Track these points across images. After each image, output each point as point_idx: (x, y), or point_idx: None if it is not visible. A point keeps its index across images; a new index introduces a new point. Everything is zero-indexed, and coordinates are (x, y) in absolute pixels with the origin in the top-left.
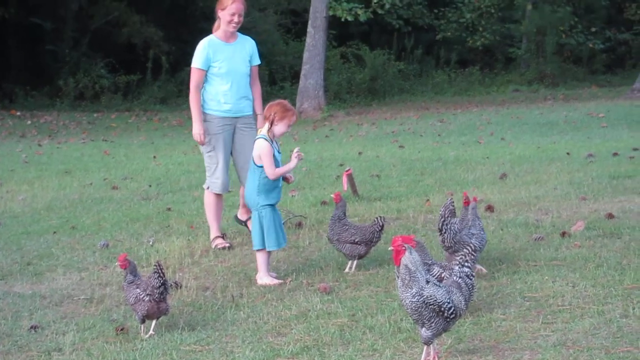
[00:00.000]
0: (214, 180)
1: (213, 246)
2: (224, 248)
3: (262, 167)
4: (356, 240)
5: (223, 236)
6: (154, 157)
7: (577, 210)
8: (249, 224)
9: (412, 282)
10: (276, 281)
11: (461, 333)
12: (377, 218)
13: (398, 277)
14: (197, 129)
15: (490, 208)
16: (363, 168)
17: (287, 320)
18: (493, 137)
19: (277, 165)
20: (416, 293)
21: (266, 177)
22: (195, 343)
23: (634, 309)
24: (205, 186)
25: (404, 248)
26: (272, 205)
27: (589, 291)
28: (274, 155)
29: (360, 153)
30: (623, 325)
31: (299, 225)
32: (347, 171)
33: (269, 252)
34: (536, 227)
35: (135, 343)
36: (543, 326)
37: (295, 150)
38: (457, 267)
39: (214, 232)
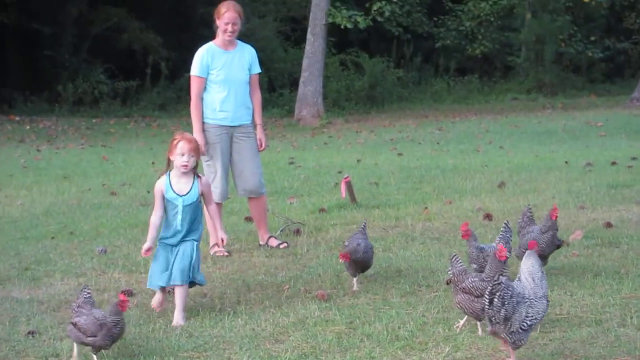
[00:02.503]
0: (213, 189)
1: (211, 253)
2: (222, 255)
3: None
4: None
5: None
6: (153, 163)
7: (575, 219)
8: (271, 242)
9: None
10: (156, 303)
11: (459, 341)
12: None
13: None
14: (197, 139)
15: (488, 216)
16: (361, 175)
17: (284, 328)
18: (491, 145)
19: (171, 204)
20: None
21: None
22: (193, 349)
23: (631, 318)
24: None
25: None
26: (163, 243)
27: (586, 300)
28: (167, 198)
29: (358, 160)
30: (621, 335)
31: (297, 232)
32: (345, 178)
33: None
34: None
35: (133, 349)
36: (541, 335)
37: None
38: None
39: (213, 239)
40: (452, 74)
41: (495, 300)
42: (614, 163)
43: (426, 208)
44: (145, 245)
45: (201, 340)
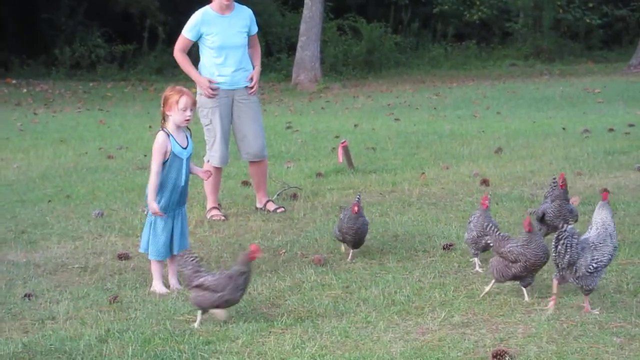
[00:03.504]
0: (213, 153)
1: (208, 217)
2: (219, 219)
3: None
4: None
5: (219, 208)
6: (150, 127)
7: (572, 185)
8: (268, 206)
9: None
10: (165, 291)
11: (455, 306)
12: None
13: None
14: (200, 81)
15: (485, 182)
16: (359, 140)
17: (281, 292)
18: (489, 111)
19: (177, 160)
20: None
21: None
22: (189, 313)
23: (627, 284)
24: (205, 159)
25: None
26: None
27: None
28: (173, 152)
29: (355, 125)
30: (617, 301)
31: (294, 196)
32: (342, 143)
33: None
34: (531, 202)
35: (129, 312)
36: (537, 300)
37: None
38: None
39: (210, 203)
40: (449, 40)
41: (560, 247)
42: (611, 130)
43: (423, 173)
44: (156, 207)
45: None
